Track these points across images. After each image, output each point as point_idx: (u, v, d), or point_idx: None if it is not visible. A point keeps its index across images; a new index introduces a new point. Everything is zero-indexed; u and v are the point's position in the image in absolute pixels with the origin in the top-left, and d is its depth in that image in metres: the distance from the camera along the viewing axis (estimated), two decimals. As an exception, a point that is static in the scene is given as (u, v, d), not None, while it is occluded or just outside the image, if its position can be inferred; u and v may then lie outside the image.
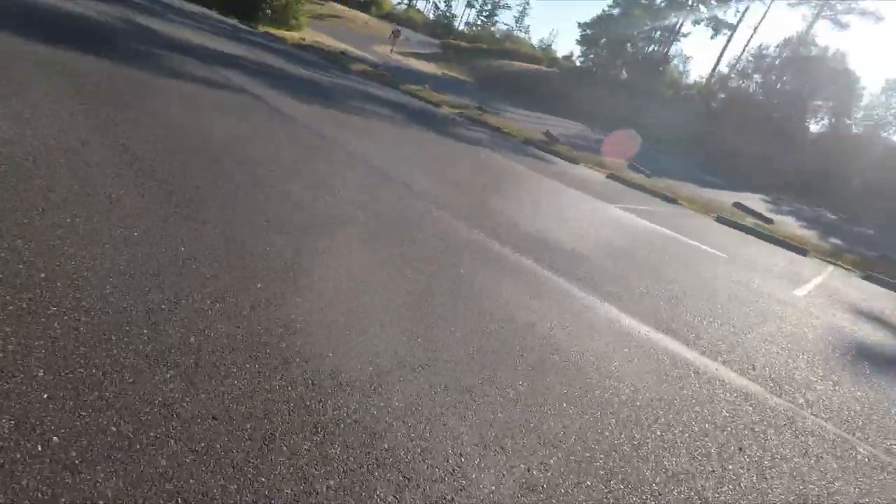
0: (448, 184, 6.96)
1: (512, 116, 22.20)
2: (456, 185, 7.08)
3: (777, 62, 34.68)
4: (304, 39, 27.93)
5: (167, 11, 17.21)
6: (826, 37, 70.04)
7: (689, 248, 8.30)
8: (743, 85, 35.16)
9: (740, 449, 2.70)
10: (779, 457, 2.79)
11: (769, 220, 16.04)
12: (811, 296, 7.82)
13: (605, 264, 5.64)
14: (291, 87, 10.91)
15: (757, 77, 34.79)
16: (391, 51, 37.37)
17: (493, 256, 4.60)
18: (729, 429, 2.92)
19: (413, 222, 4.81)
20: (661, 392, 3.09)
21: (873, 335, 6.62)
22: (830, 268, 11.62)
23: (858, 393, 4.23)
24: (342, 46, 29.78)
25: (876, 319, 7.73)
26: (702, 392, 3.28)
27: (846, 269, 12.22)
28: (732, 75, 36.56)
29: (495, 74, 39.20)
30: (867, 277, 11.59)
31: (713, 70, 39.15)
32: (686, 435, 2.70)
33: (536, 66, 42.53)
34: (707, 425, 2.88)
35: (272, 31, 27.32)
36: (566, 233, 6.42)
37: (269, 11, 29.37)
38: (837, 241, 16.58)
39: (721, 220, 13.40)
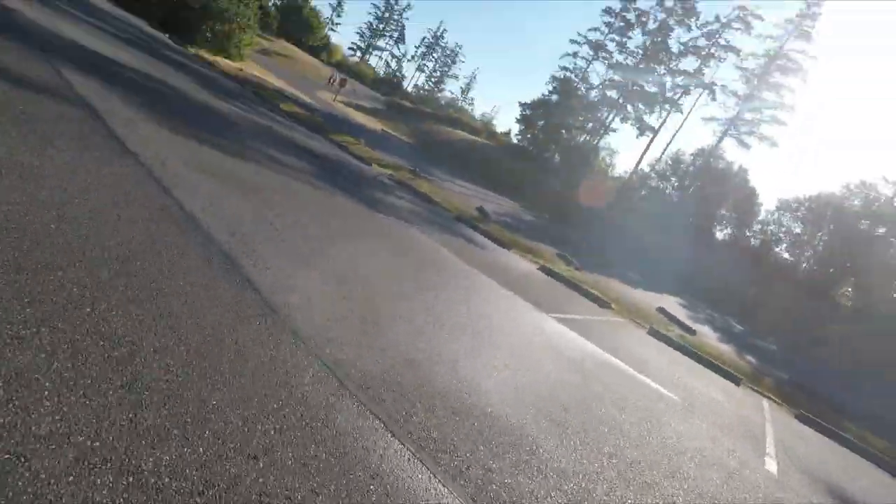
0: (341, 291, 4.63)
1: (446, 185, 20.50)
2: (353, 294, 4.75)
3: (691, 168, 36.04)
4: (241, 70, 25.32)
5: (80, 10, 14.19)
6: (732, 153, 76.33)
7: (642, 390, 6.39)
8: (662, 186, 36.14)
9: None
10: None
11: (692, 332, 14.99)
12: (784, 473, 6.06)
13: (556, 452, 3.46)
14: (178, 117, 8.34)
15: (674, 180, 35.91)
16: (334, 98, 35.47)
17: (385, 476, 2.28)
18: None
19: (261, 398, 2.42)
20: None
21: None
22: (765, 404, 10.29)
23: None
24: (280, 85, 27.43)
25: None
26: None
27: (778, 403, 10.98)
28: (652, 174, 37.64)
29: (436, 139, 38.16)
30: (800, 418, 10.48)
31: (636, 167, 40.34)
32: None
33: (476, 138, 42.07)
34: None
35: (205, 54, 24.51)
36: (497, 383, 4.24)
37: (208, 35, 26.60)
38: (752, 359, 15.74)
39: (653, 332, 11.93)
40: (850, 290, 30.71)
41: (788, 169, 76.26)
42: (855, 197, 33.19)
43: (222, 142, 8.10)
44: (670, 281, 23.96)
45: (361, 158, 16.67)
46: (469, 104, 74.45)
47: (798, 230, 33.78)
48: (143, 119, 6.70)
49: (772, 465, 6.08)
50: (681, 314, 17.20)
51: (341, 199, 8.78)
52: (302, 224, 5.93)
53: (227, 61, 26.08)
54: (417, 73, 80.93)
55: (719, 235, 34.53)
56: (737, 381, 10.88)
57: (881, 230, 31.34)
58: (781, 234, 34.30)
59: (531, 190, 31.45)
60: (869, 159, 66.96)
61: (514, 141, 46.57)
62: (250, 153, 8.45)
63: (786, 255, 33.53)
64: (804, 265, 32.45)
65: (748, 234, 34.49)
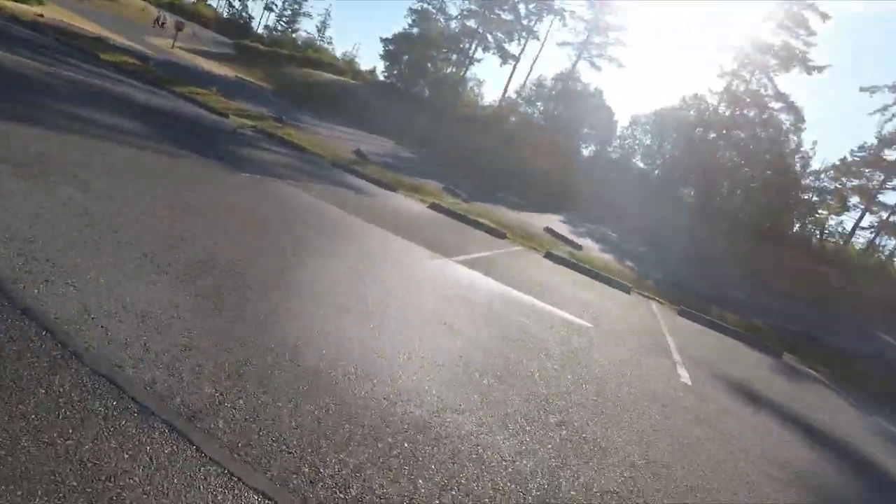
0: (193, 289, 3.37)
1: (317, 131, 18.52)
2: (209, 290, 3.51)
3: (553, 93, 36.74)
4: (40, 16, 20.30)
5: None
6: (588, 75, 79.59)
7: (558, 325, 5.94)
8: (529, 111, 36.49)
9: None
10: None
11: (579, 247, 15.38)
12: (695, 379, 6.06)
13: (504, 446, 2.72)
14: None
15: (539, 105, 36.38)
16: (172, 45, 30.40)
17: None
18: None
19: None
20: None
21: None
22: (654, 307, 10.73)
23: None
24: (102, 33, 22.57)
25: (808, 425, 6.29)
26: None
27: (661, 303, 11.58)
28: (520, 101, 37.79)
29: (297, 83, 34.65)
30: (682, 313, 11.20)
31: (503, 95, 40.21)
32: None
33: (341, 78, 38.98)
34: None
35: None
36: (410, 357, 3.36)
37: (-15, -26, 20.64)
38: (630, 264, 16.64)
39: (548, 256, 11.83)
40: (691, 190, 34.13)
41: (638, 87, 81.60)
42: (690, 108, 36.27)
43: (12, 108, 5.92)
44: (549, 201, 24.58)
45: (216, 111, 14.22)
46: (328, 44, 68.50)
47: (648, 142, 36.47)
48: None
49: (684, 374, 6.06)
50: (565, 231, 17.59)
51: (195, 163, 7.04)
52: (139, 206, 4.37)
53: (19, 5, 20.65)
54: (266, 13, 72.30)
55: (585, 153, 36.22)
56: (627, 290, 11.22)
57: (712, 135, 34.75)
58: (636, 147, 36.90)
59: (405, 126, 30.04)
60: (702, 74, 73.10)
61: (381, 78, 43.99)
62: (58, 119, 6.34)
63: (641, 165, 36.25)
64: (656, 172, 35.28)
65: (609, 149, 36.56)
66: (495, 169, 28.21)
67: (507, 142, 32.10)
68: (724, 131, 34.17)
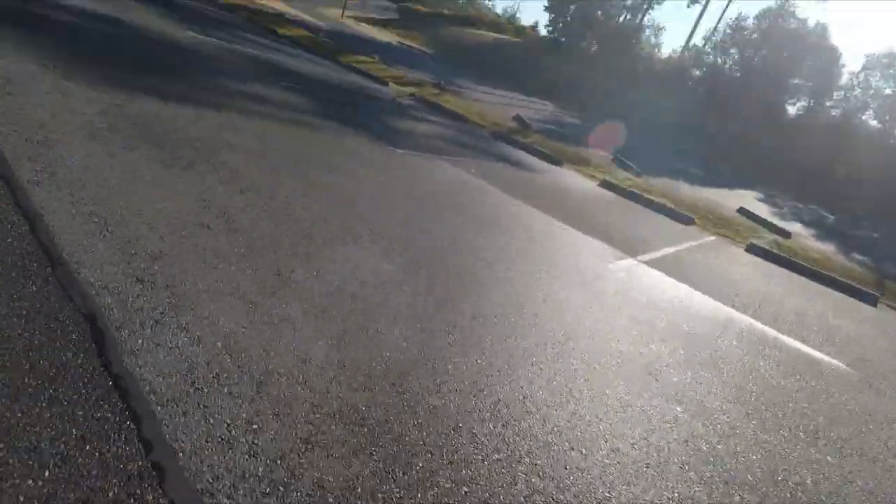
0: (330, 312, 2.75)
1: (476, 96, 17.78)
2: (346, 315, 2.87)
3: (755, 35, 30.87)
4: (233, -4, 22.38)
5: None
6: (806, 9, 66.63)
7: (807, 372, 4.38)
8: (720, 61, 31.23)
9: None
10: None
11: (787, 234, 12.53)
12: None
13: None
14: (105, 59, 6.29)
15: (734, 52, 30.85)
16: (342, 15, 31.93)
17: None
18: None
19: None
20: None
21: None
22: (913, 329, 8.09)
23: None
24: (282, 7, 24.31)
25: None
26: None
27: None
28: (708, 49, 32.51)
29: (458, 44, 34.25)
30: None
31: (687, 42, 35.01)
32: None
33: (501, 36, 37.63)
34: None
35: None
36: (616, 474, 2.35)
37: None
38: (860, 257, 13.22)
39: (752, 249, 9.62)
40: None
41: (879, 19, 64.31)
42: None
43: (178, 87, 6.04)
44: (740, 172, 20.90)
45: (377, 79, 14.24)
46: (488, 0, 67.09)
47: (889, 90, 28.56)
48: (29, 62, 4.70)
49: None
50: (764, 212, 14.65)
51: (351, 140, 6.72)
52: (281, 200, 3.97)
53: (216, -12, 23.02)
54: (429, -27, 72.98)
55: (792, 111, 29.87)
56: (872, 301, 8.62)
57: None
58: (869, 100, 29.18)
59: (568, 88, 27.85)
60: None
61: (544, 33, 41.50)
62: (222, 99, 6.37)
63: (874, 123, 28.75)
64: (896, 132, 27.82)
65: (828, 104, 29.55)
66: (673, 133, 24.83)
67: (689, 100, 28.04)
68: None
